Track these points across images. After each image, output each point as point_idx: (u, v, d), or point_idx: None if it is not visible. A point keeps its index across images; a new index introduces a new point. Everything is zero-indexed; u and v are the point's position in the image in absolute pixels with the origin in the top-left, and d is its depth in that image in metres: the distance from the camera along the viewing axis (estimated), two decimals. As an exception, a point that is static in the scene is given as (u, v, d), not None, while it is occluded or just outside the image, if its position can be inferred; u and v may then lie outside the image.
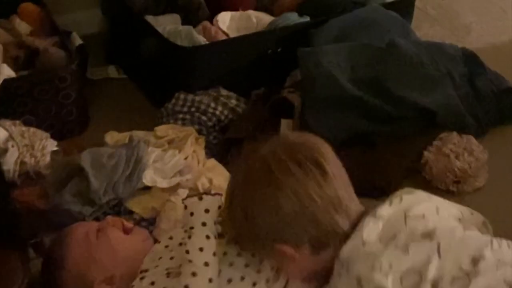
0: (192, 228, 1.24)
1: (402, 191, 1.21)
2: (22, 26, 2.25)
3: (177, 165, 1.83)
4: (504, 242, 1.14)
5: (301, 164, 1.12)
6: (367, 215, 1.15)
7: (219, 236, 1.26)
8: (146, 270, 1.32)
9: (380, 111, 2.00)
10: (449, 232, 1.13)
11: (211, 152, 1.98)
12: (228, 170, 1.86)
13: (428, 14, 2.84)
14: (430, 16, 2.84)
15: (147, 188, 1.79)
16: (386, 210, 1.15)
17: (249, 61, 2.15)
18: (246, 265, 1.24)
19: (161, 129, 1.99)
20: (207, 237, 1.23)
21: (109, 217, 1.48)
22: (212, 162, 1.90)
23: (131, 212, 1.74)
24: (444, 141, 1.98)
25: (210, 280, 1.19)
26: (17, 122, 1.90)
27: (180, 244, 1.29)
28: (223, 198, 1.27)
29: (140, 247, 1.41)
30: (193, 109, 2.05)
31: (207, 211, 1.26)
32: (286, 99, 2.05)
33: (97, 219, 1.69)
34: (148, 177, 1.78)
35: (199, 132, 2.01)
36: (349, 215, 1.14)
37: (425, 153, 1.96)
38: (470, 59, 2.22)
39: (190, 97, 2.07)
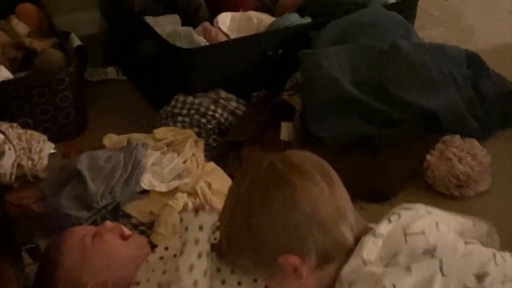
0: (185, 243, 1.23)
1: (400, 207, 1.19)
2: (20, 27, 2.25)
3: (176, 168, 1.83)
4: (508, 256, 1.12)
5: (308, 172, 1.10)
6: (366, 233, 1.12)
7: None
8: (138, 283, 1.31)
9: (381, 114, 1.98)
10: (451, 248, 1.11)
11: (210, 155, 1.97)
12: (228, 174, 1.86)
13: (431, 15, 2.82)
14: (434, 17, 2.82)
15: (145, 192, 1.78)
16: (385, 228, 1.13)
17: (249, 63, 2.13)
18: (239, 284, 1.22)
19: (160, 132, 1.98)
20: (199, 255, 1.20)
21: (108, 222, 1.46)
22: (211, 165, 1.89)
23: (129, 216, 1.73)
24: (446, 144, 1.96)
25: None
26: (14, 124, 1.89)
27: (175, 255, 1.27)
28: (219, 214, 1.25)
29: (136, 255, 1.40)
30: (192, 112, 2.03)
31: (201, 228, 1.23)
32: (286, 101, 2.03)
33: (94, 223, 1.68)
34: (146, 181, 1.77)
35: (199, 134, 2.00)
36: (353, 229, 1.12)
37: (427, 156, 1.94)
38: (473, 61, 2.20)
39: (189, 99, 2.05)
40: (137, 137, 1.96)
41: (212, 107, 2.05)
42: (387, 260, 1.09)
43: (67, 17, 2.43)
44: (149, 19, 2.21)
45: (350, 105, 1.98)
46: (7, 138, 1.83)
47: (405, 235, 1.11)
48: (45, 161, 1.85)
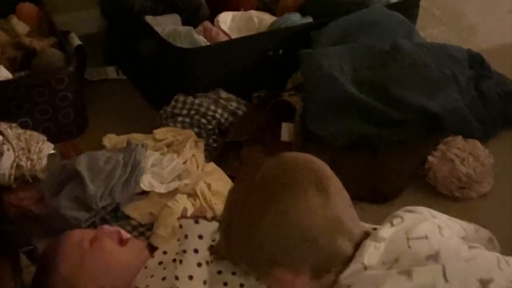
0: (184, 252, 1.22)
1: (403, 210, 1.18)
2: (20, 26, 2.24)
3: (176, 169, 1.82)
4: None
5: (301, 186, 1.07)
6: (368, 237, 1.11)
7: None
8: None
9: (382, 114, 1.97)
10: (454, 253, 1.09)
11: (210, 155, 1.96)
12: (228, 174, 1.85)
13: (433, 15, 2.81)
14: (436, 17, 2.81)
15: (144, 193, 1.78)
16: (387, 231, 1.11)
17: (249, 63, 2.12)
18: (241, 285, 1.21)
19: (160, 132, 1.98)
20: (199, 264, 1.20)
21: (105, 226, 1.45)
22: (212, 166, 1.88)
23: (128, 218, 1.73)
24: (448, 145, 1.95)
25: None
26: (13, 124, 1.88)
27: (174, 260, 1.26)
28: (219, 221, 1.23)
29: (134, 260, 1.39)
30: (192, 112, 2.02)
31: (200, 237, 1.23)
32: (287, 102, 2.02)
33: (93, 224, 1.68)
34: (146, 182, 1.77)
35: (199, 135, 2.00)
36: (351, 237, 1.10)
37: (429, 158, 1.93)
38: (475, 61, 2.19)
39: (189, 99, 2.04)
40: (137, 137, 1.96)
41: (213, 108, 2.04)
42: (389, 264, 1.08)
43: (67, 16, 2.42)
44: (149, 19, 2.20)
45: (351, 105, 1.97)
46: (6, 138, 1.82)
47: (408, 239, 1.10)
48: (44, 162, 1.84)
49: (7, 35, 2.19)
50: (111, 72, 2.38)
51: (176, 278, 1.20)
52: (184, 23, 2.26)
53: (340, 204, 1.09)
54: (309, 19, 2.22)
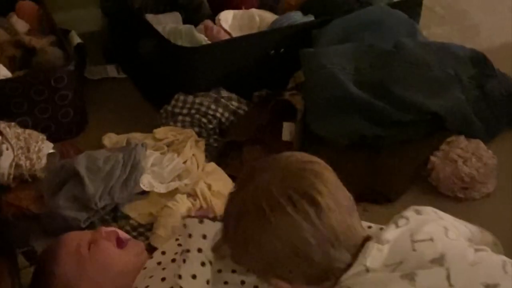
0: (188, 251, 1.21)
1: (409, 210, 1.15)
2: (20, 25, 2.23)
3: (176, 169, 1.82)
4: None
5: (294, 202, 1.04)
6: (371, 240, 1.09)
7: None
8: None
9: (385, 114, 1.96)
10: (460, 256, 1.07)
11: (211, 155, 1.95)
12: (228, 174, 1.84)
13: (436, 14, 2.80)
14: (439, 16, 2.80)
15: (144, 193, 1.77)
16: (391, 233, 1.09)
17: (251, 62, 2.11)
18: (242, 282, 1.20)
19: (160, 132, 1.97)
20: (202, 264, 1.20)
21: (103, 228, 1.43)
22: (212, 166, 1.87)
23: (127, 218, 1.72)
24: (451, 145, 1.93)
25: None
26: (12, 123, 1.88)
27: (173, 260, 1.25)
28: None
29: (133, 262, 1.38)
30: (193, 111, 2.01)
31: (204, 237, 1.22)
32: (288, 101, 2.01)
33: (92, 224, 1.67)
34: (146, 182, 1.76)
35: (199, 134, 1.99)
36: (349, 247, 1.07)
37: (432, 158, 1.92)
38: (479, 60, 2.17)
39: (190, 98, 2.03)
40: (137, 136, 1.95)
41: (213, 107, 2.03)
42: (392, 267, 1.06)
43: (67, 14, 2.42)
44: (149, 17, 2.19)
45: (352, 104, 1.95)
46: (5, 137, 1.81)
47: (412, 242, 1.08)
48: (43, 161, 1.84)
49: (7, 33, 2.18)
50: (111, 70, 2.37)
51: (179, 277, 1.19)
52: (185, 21, 2.25)
53: (336, 215, 1.06)
54: (311, 18, 2.21)
